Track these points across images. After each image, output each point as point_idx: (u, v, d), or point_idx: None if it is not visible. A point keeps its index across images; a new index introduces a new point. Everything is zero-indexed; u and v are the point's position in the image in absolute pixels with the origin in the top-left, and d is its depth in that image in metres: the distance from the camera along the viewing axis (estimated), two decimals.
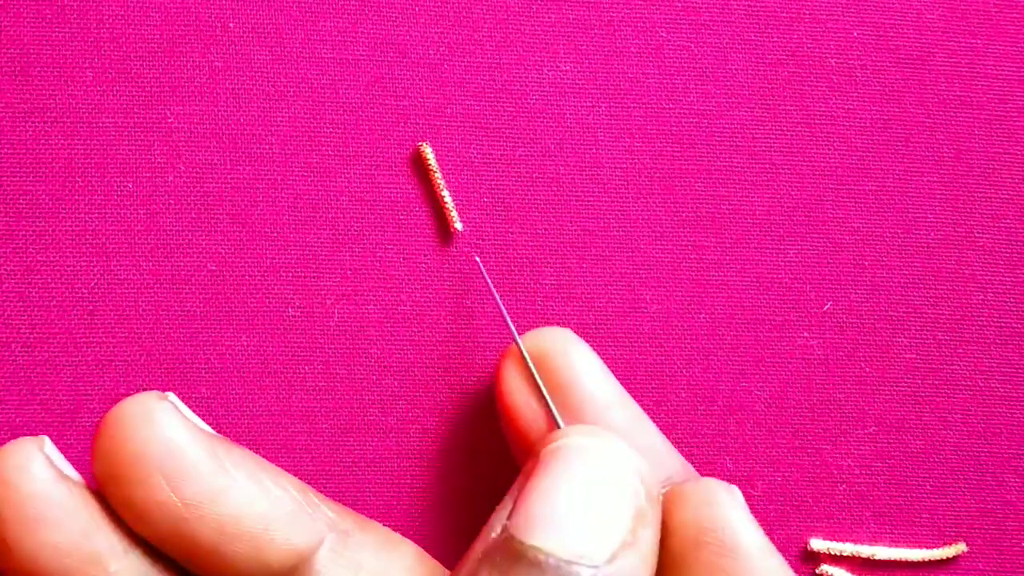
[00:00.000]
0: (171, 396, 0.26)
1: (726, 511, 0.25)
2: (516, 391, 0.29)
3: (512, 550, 0.23)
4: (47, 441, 0.26)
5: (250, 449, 0.32)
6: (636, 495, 0.24)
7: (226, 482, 0.25)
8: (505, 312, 0.29)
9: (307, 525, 0.26)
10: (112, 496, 0.25)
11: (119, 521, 0.25)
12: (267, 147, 0.32)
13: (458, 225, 0.31)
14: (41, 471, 0.25)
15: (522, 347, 0.29)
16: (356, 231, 0.32)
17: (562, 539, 0.23)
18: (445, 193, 0.31)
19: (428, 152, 0.31)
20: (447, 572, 0.28)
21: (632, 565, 0.23)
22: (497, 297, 0.30)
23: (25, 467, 0.25)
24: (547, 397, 0.28)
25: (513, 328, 0.29)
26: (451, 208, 0.31)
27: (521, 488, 0.24)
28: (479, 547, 0.24)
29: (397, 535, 0.28)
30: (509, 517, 0.23)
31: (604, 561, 0.23)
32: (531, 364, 0.29)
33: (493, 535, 0.23)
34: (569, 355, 0.29)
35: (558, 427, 0.28)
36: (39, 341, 0.31)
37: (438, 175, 0.31)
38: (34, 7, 0.31)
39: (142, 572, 0.25)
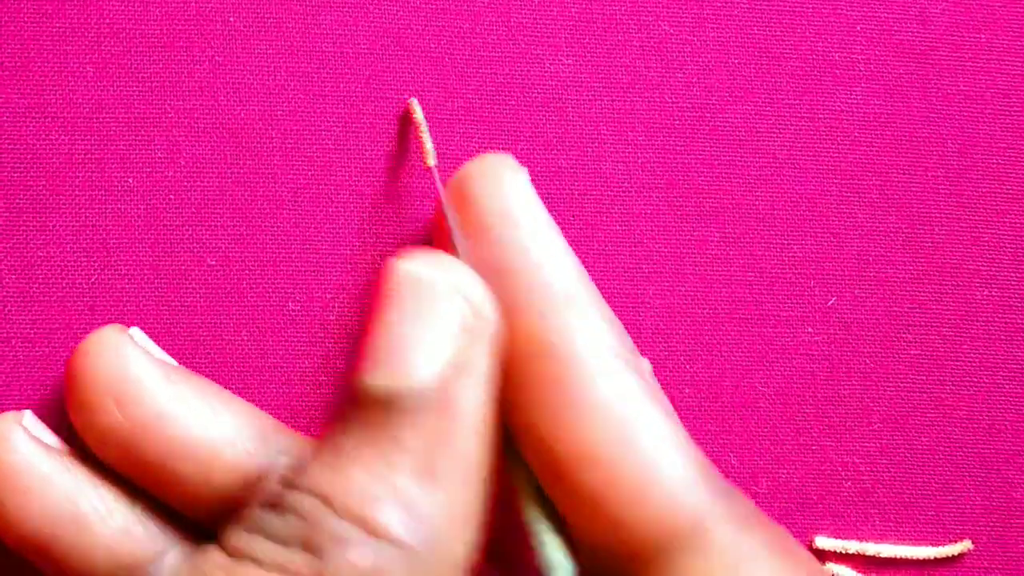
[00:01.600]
0: (134, 330, 0.29)
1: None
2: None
3: (353, 393, 0.24)
4: (28, 414, 0.28)
5: None
6: (460, 314, 0.24)
7: (174, 405, 0.27)
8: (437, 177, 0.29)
9: (257, 449, 0.27)
10: (77, 424, 0.27)
11: (102, 484, 0.27)
12: (268, 141, 0.32)
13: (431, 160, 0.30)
14: (21, 443, 0.27)
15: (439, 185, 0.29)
16: (357, 226, 0.32)
17: (386, 369, 0.24)
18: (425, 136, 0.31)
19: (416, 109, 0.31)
20: None
21: (464, 390, 0.24)
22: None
23: (5, 439, 0.27)
24: (449, 216, 0.28)
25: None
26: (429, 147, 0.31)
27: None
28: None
29: None
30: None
31: (427, 383, 0.23)
32: (441, 190, 0.29)
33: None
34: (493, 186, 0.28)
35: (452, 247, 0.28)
36: (39, 336, 0.31)
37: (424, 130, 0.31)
38: (34, 2, 0.31)
39: (128, 531, 0.27)
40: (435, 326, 0.24)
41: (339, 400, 0.25)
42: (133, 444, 0.27)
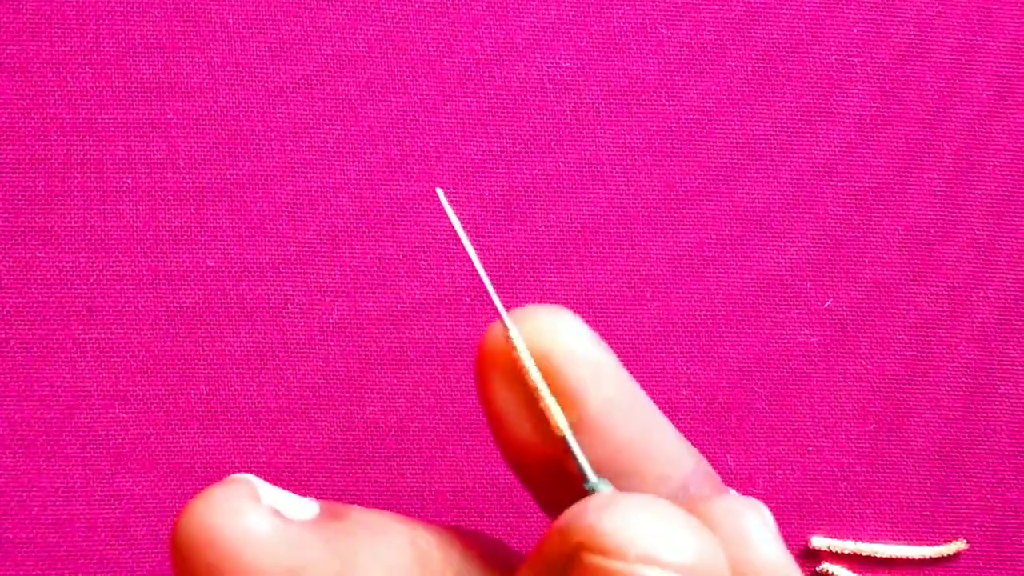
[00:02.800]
0: (252, 485, 0.21)
1: (760, 546, 0.22)
2: (503, 399, 0.23)
3: None
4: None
5: (250, 445, 0.32)
6: None
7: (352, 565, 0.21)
8: (485, 278, 0.23)
9: None
10: None
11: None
12: (266, 143, 0.32)
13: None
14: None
15: (517, 342, 0.23)
16: (355, 228, 0.32)
17: None
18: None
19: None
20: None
21: None
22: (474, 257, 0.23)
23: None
24: (571, 441, 0.23)
25: (502, 309, 0.22)
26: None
27: None
28: None
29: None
30: None
31: None
32: (529, 364, 0.23)
33: None
34: (567, 343, 0.23)
35: (584, 480, 0.23)
36: (38, 337, 0.31)
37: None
38: (33, 4, 0.31)
39: None
40: None
41: None
42: None
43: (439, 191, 0.24)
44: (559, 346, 0.23)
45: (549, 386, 0.23)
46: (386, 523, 0.23)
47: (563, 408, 0.23)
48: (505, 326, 0.23)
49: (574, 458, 0.23)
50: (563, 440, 0.23)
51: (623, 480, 0.24)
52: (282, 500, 0.21)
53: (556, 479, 0.24)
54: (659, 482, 0.24)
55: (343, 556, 0.21)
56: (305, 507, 0.21)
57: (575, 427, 0.23)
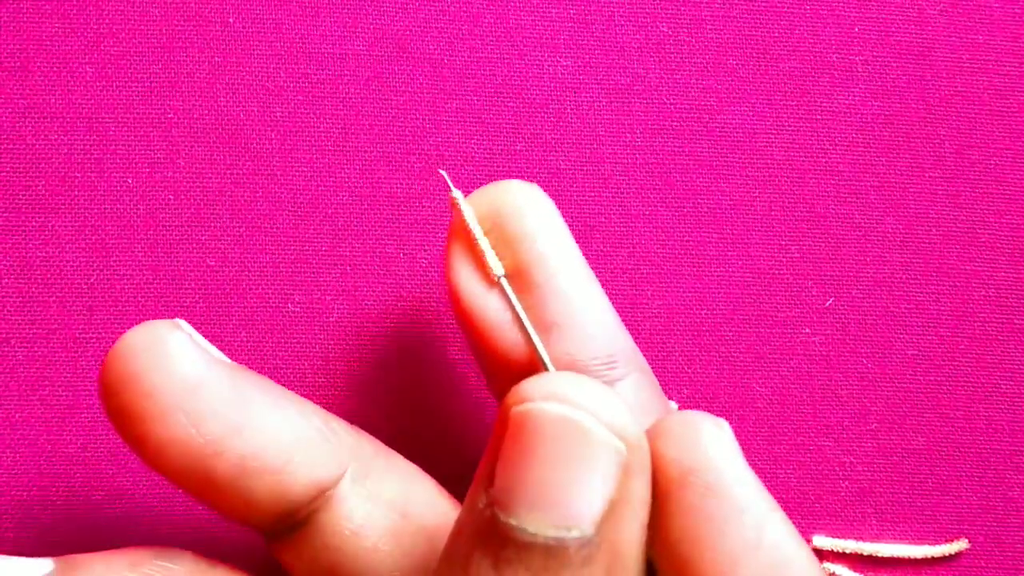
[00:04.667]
0: (183, 324, 0.25)
1: (712, 450, 0.23)
2: (465, 278, 0.27)
3: (499, 531, 0.22)
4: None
5: None
6: (617, 453, 0.22)
7: (248, 415, 0.24)
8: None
9: (329, 456, 0.25)
10: (125, 431, 0.24)
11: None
12: (267, 142, 0.32)
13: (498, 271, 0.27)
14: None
15: (465, 210, 0.26)
16: (356, 227, 0.32)
17: (544, 515, 0.22)
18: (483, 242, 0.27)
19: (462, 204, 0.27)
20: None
21: (623, 525, 0.22)
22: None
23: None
24: (524, 319, 0.26)
25: (453, 186, 0.27)
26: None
27: (497, 455, 0.22)
28: (466, 521, 0.23)
29: (415, 467, 0.27)
30: (488, 489, 0.22)
31: (591, 529, 0.22)
32: (467, 212, 0.26)
33: (480, 505, 0.22)
34: (517, 201, 0.27)
35: (531, 344, 0.26)
36: (38, 337, 0.31)
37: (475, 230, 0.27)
38: (33, 4, 0.31)
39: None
40: (594, 468, 0.22)
41: (474, 521, 0.22)
42: (206, 460, 0.24)
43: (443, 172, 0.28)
44: (509, 200, 0.26)
45: (496, 241, 0.26)
46: (414, 470, 0.28)
47: (501, 257, 0.26)
48: (451, 188, 0.26)
49: (510, 305, 0.26)
50: (502, 289, 0.26)
51: (552, 332, 0.26)
52: (204, 343, 0.25)
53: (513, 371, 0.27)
54: (587, 340, 0.26)
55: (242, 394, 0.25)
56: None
57: (511, 274, 0.26)
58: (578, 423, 0.22)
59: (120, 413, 0.24)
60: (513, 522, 0.22)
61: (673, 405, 0.29)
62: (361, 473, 0.26)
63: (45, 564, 0.24)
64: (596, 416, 0.22)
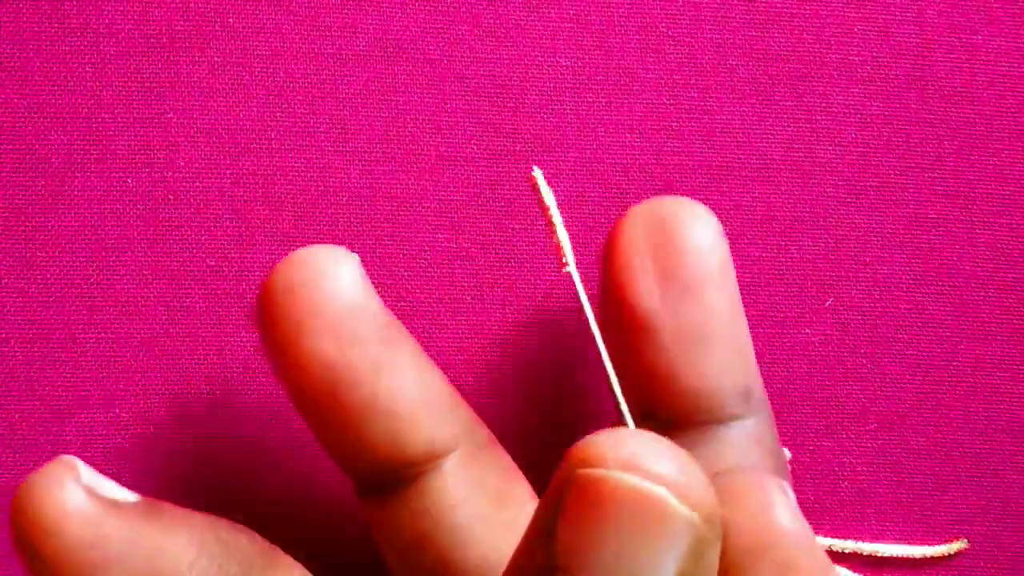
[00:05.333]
0: (353, 257, 0.25)
1: (791, 526, 0.23)
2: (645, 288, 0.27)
3: None
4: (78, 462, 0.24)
5: (251, 446, 0.32)
6: (693, 527, 0.21)
7: (391, 356, 0.25)
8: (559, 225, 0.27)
9: (452, 424, 0.26)
10: (276, 338, 0.25)
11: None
12: (267, 143, 0.32)
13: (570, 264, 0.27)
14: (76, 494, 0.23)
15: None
16: (355, 227, 0.32)
17: None
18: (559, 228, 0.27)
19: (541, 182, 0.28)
20: None
21: None
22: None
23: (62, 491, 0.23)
24: (574, 276, 0.26)
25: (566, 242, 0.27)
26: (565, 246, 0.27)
27: (558, 512, 0.21)
28: (525, 569, 0.21)
29: (516, 466, 0.27)
30: (550, 548, 0.21)
31: None
32: (550, 202, 0.27)
33: (540, 561, 0.21)
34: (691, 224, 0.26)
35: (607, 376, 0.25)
36: (38, 337, 0.31)
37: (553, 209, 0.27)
38: (33, 4, 0.31)
39: None
40: (670, 546, 0.20)
41: (522, 568, 0.21)
42: (340, 386, 0.25)
43: (537, 172, 0.28)
44: (677, 212, 0.26)
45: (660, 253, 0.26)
46: (516, 468, 0.27)
47: (664, 269, 0.26)
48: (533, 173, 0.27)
49: (579, 295, 0.26)
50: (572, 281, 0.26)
51: (696, 347, 0.26)
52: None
53: None
54: (731, 366, 0.26)
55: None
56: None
57: (666, 281, 0.26)
58: (656, 498, 0.20)
59: (277, 320, 0.25)
60: None
61: (786, 453, 0.28)
62: (470, 455, 0.26)
63: (132, 495, 0.25)
64: (675, 487, 0.20)
